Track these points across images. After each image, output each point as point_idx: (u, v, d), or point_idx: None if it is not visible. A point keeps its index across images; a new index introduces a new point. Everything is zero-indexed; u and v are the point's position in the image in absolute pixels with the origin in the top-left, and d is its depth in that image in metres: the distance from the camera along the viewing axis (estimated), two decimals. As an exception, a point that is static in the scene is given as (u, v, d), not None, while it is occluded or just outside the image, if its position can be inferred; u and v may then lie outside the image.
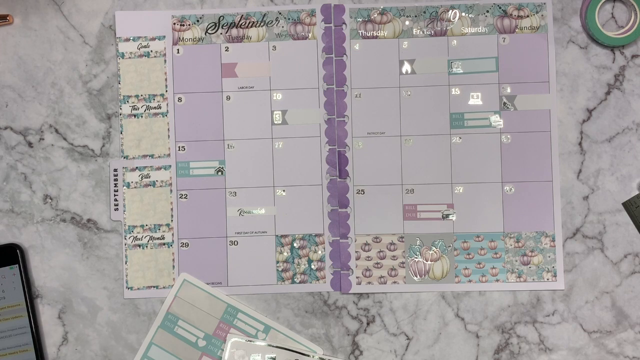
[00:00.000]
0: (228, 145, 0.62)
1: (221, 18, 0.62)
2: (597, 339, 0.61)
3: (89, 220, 0.62)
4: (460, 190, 0.61)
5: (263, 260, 0.62)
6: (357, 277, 0.62)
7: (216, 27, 0.62)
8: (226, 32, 0.62)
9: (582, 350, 0.61)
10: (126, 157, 0.62)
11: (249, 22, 0.62)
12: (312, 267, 0.62)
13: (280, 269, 0.62)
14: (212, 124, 0.62)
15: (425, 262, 0.61)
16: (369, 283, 0.62)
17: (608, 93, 0.62)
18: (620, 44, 0.61)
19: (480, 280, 0.61)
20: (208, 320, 0.61)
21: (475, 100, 0.62)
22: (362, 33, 0.62)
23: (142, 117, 0.62)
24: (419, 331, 0.61)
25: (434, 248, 0.61)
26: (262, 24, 0.62)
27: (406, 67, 0.62)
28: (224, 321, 0.61)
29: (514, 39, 0.62)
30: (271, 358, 0.60)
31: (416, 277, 0.61)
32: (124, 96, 0.62)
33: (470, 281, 0.61)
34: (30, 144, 0.62)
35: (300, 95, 0.62)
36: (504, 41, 0.62)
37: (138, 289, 0.62)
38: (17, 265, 0.61)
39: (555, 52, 0.61)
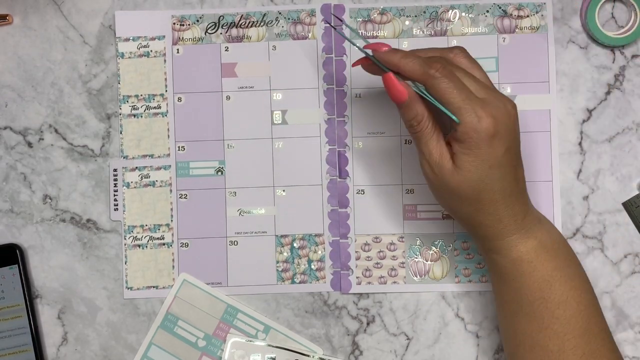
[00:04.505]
0: (228, 145, 0.62)
1: (221, 18, 0.62)
2: (597, 339, 0.61)
3: (88, 220, 0.62)
4: (460, 190, 0.61)
5: (263, 261, 0.62)
6: (357, 277, 0.62)
7: (216, 27, 0.62)
8: (226, 32, 0.62)
9: (582, 350, 0.61)
10: (126, 157, 0.62)
11: (249, 22, 0.62)
12: (312, 267, 0.62)
13: (280, 269, 0.62)
14: (211, 123, 0.62)
15: (425, 262, 0.61)
16: (369, 283, 0.62)
17: (608, 93, 0.62)
18: (620, 44, 0.61)
19: (480, 280, 0.61)
20: (208, 321, 0.61)
21: (475, 100, 0.62)
22: (362, 33, 0.62)
23: (141, 117, 0.62)
24: (419, 331, 0.61)
25: (434, 248, 0.61)
26: (262, 23, 0.62)
27: (406, 67, 0.62)
28: (224, 321, 0.61)
29: (514, 39, 0.62)
30: (271, 358, 0.60)
31: (416, 277, 0.61)
32: (123, 96, 0.62)
33: (470, 281, 0.61)
34: (29, 144, 0.62)
35: (300, 95, 0.62)
36: (504, 41, 0.62)
37: (138, 289, 0.62)
38: (16, 265, 0.60)
39: (555, 52, 0.61)
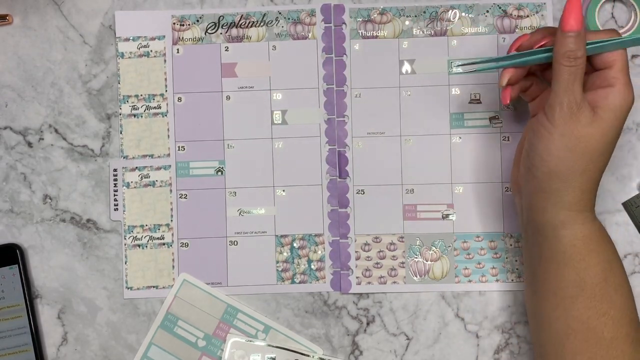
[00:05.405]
0: (228, 145, 0.62)
1: (221, 18, 0.62)
2: (597, 339, 0.61)
3: (88, 220, 0.62)
4: (460, 190, 0.61)
5: (263, 261, 0.62)
6: (357, 277, 0.62)
7: (216, 27, 0.62)
8: (226, 32, 0.62)
9: (582, 350, 0.61)
10: (126, 157, 0.62)
11: (249, 22, 0.62)
12: (312, 267, 0.62)
13: (280, 269, 0.62)
14: (211, 123, 0.62)
15: (425, 262, 0.61)
16: (369, 283, 0.62)
17: (608, 93, 0.61)
18: (620, 44, 0.61)
19: (480, 280, 0.61)
20: (208, 321, 0.61)
21: (475, 100, 0.62)
22: (362, 33, 0.62)
23: (141, 117, 0.62)
24: (419, 331, 0.61)
25: (433, 248, 0.61)
26: (262, 23, 0.62)
27: (406, 67, 0.62)
28: (224, 321, 0.61)
29: (513, 38, 0.61)
30: (271, 358, 0.60)
31: (416, 277, 0.61)
32: (123, 96, 0.62)
33: (470, 281, 0.61)
34: (29, 144, 0.62)
35: (300, 95, 0.62)
36: (503, 41, 0.62)
37: (138, 289, 0.62)
38: (16, 265, 0.61)
39: (555, 52, 0.61)
